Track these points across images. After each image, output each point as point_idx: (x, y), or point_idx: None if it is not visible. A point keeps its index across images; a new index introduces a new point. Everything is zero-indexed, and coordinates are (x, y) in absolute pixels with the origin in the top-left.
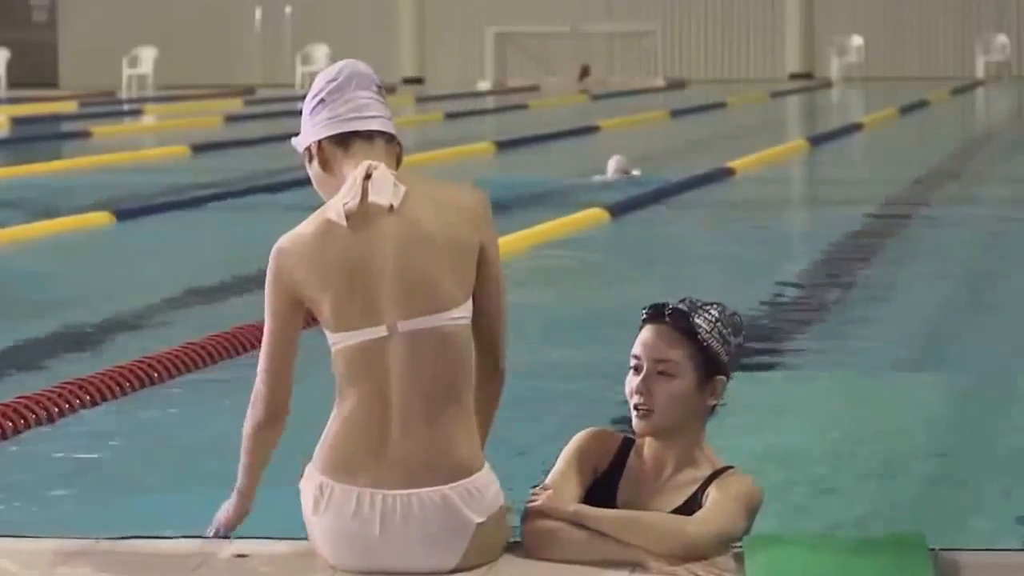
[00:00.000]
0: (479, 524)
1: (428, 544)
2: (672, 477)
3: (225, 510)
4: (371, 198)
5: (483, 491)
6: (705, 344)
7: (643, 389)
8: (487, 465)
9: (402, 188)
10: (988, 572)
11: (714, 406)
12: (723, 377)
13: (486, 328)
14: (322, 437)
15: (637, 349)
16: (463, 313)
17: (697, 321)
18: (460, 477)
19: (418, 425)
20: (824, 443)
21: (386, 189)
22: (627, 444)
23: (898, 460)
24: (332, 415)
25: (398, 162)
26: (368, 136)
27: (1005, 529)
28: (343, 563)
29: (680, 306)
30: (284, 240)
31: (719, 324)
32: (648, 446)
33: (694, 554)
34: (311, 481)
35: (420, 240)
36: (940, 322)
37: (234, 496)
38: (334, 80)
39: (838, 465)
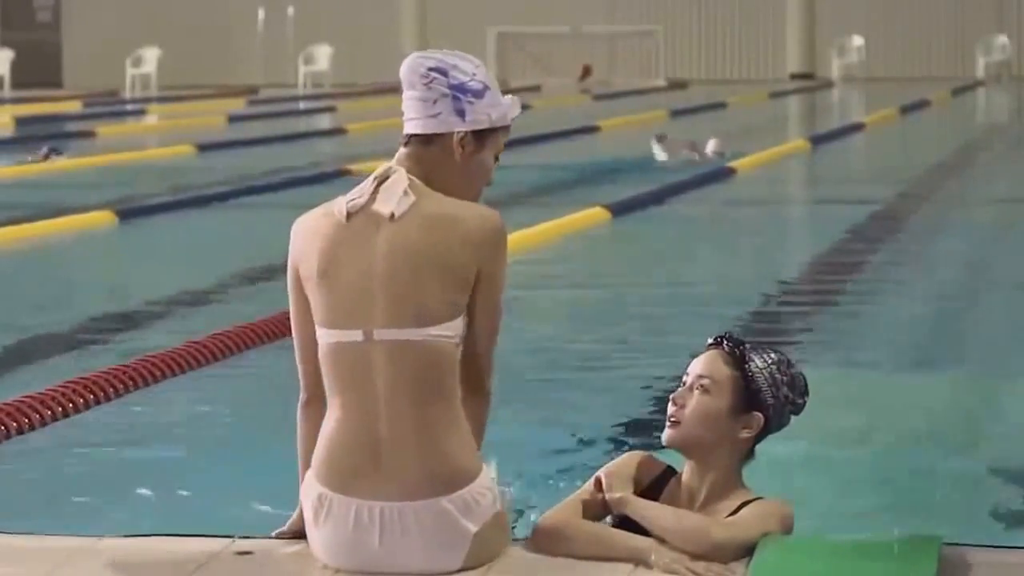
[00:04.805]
0: (476, 532)
1: (428, 552)
2: (704, 507)
3: None
4: (376, 205)
5: (479, 499)
6: (750, 375)
7: (678, 400)
8: (484, 468)
9: (410, 199)
10: (993, 570)
11: (751, 448)
12: (760, 415)
13: (470, 349)
14: (318, 443)
15: (688, 368)
16: (448, 332)
17: (751, 355)
18: (458, 486)
19: (409, 434)
20: (823, 442)
21: (392, 197)
22: (669, 473)
23: (899, 460)
24: (324, 420)
25: (449, 154)
26: (405, 140)
27: (1010, 526)
28: (345, 568)
29: (740, 338)
30: (299, 219)
31: (774, 367)
32: (686, 476)
33: (716, 557)
34: (311, 490)
35: (409, 254)
36: (941, 322)
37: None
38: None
39: (838, 465)
